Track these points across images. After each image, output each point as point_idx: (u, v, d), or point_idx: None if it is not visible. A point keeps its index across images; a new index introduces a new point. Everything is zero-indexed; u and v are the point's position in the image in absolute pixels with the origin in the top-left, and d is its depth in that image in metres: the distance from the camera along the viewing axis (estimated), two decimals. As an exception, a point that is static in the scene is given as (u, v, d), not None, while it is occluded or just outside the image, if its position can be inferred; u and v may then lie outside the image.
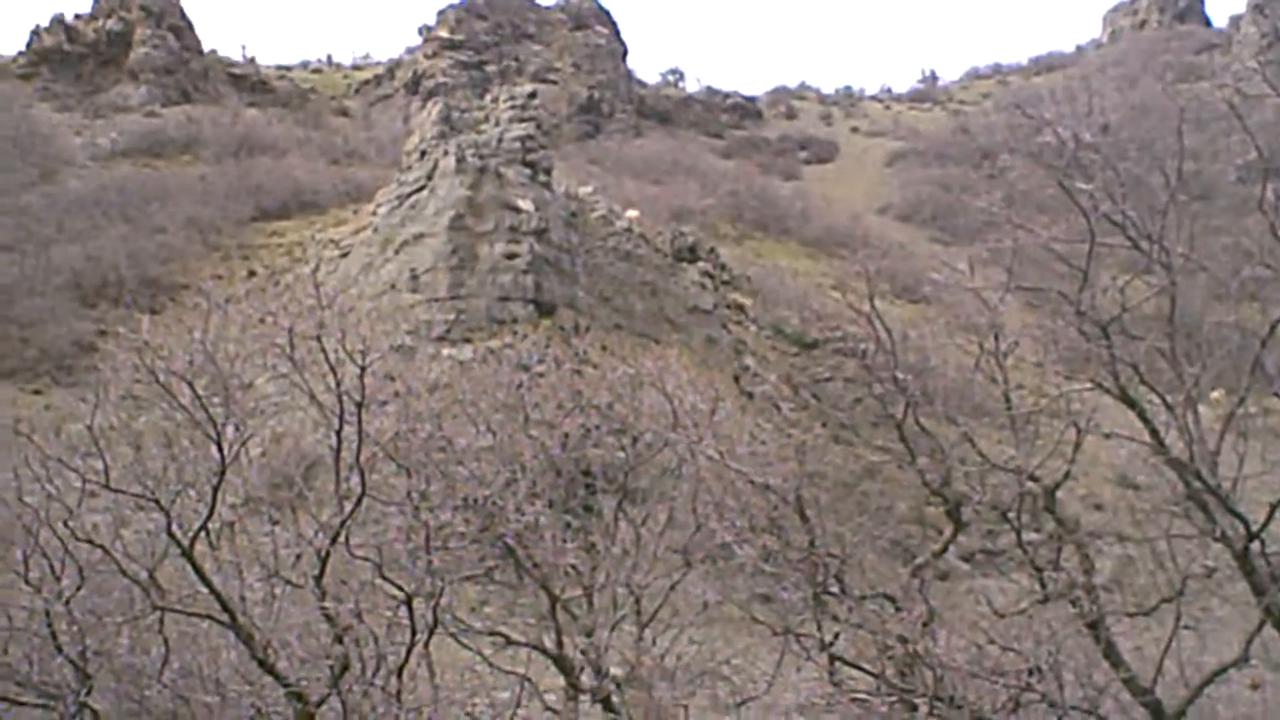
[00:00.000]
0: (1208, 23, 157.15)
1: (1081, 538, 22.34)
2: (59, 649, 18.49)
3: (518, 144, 59.84)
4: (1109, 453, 48.30)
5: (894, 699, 19.58)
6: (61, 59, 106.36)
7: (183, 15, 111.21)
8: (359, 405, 19.93)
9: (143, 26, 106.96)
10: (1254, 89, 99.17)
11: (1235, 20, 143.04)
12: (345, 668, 19.00)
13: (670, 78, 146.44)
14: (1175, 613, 20.83)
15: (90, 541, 18.78)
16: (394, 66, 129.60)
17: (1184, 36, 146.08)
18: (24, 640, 18.87)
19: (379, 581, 20.15)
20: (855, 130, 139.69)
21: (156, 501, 18.61)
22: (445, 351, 47.53)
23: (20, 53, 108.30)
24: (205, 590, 18.97)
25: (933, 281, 49.73)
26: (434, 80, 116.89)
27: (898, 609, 20.42)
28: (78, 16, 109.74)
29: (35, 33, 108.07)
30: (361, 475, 19.78)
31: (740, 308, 70.54)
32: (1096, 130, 24.79)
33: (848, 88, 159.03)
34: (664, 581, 25.86)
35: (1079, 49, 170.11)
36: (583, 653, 23.58)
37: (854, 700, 20.05)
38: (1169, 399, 21.87)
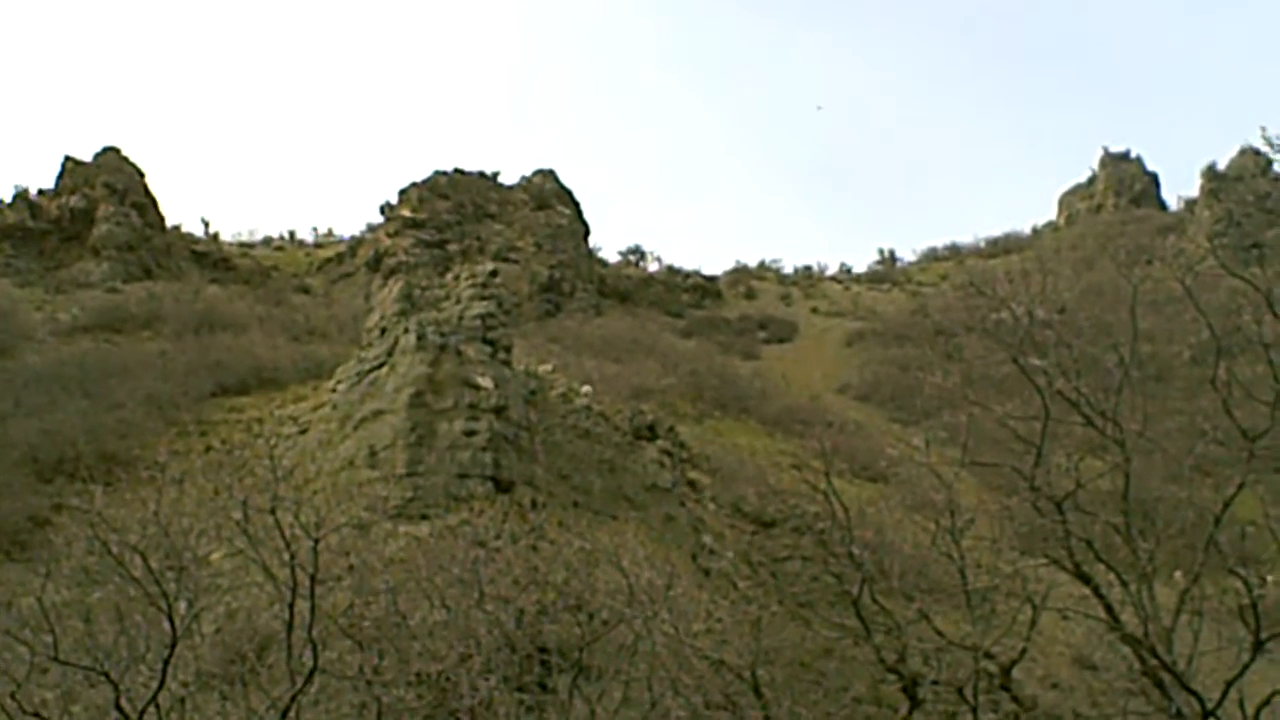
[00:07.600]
0: (1163, 206, 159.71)
1: (1038, 717, 22.27)
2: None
3: (478, 322, 59.83)
4: (1066, 631, 48.17)
5: None
6: (24, 235, 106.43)
7: (146, 192, 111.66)
8: (312, 578, 19.82)
9: (106, 203, 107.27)
10: (1208, 271, 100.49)
11: (1190, 204, 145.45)
12: None
13: (631, 256, 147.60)
14: (1133, 792, 20.77)
15: (37, 715, 18.55)
16: (356, 244, 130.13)
17: (1140, 220, 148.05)
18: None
19: (330, 759, 19.93)
20: (815, 310, 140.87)
21: (105, 675, 18.42)
22: (403, 528, 47.19)
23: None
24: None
25: (889, 458, 49.91)
26: (396, 258, 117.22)
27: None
28: (41, 192, 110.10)
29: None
30: (314, 650, 19.62)
31: (699, 486, 70.51)
32: (1053, 310, 25.12)
33: (807, 268, 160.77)
34: (620, 760, 25.51)
35: (1035, 231, 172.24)
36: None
37: None
38: (1124, 576, 21.92)
